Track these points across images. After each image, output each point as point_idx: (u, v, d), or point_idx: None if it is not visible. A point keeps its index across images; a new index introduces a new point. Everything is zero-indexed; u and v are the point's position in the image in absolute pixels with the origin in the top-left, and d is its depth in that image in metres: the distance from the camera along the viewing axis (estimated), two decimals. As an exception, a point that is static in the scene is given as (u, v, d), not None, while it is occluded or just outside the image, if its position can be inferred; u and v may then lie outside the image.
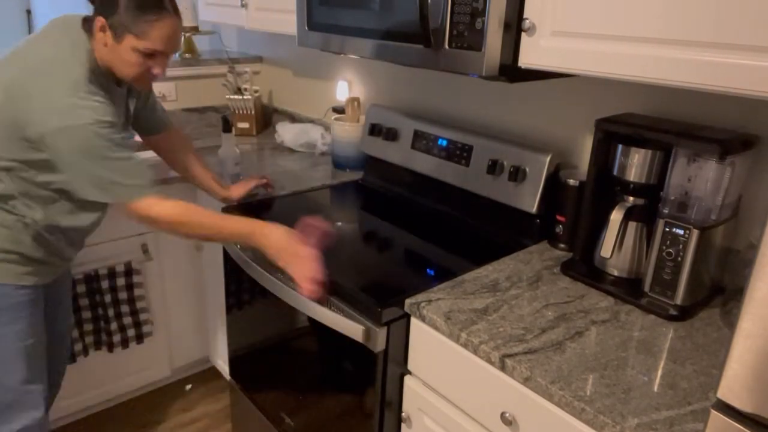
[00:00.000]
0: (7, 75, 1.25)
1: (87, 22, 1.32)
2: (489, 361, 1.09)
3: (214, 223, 1.30)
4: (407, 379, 1.32)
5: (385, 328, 1.25)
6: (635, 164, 1.27)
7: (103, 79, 1.30)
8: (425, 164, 1.79)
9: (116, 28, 1.24)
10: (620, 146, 1.29)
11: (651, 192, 1.28)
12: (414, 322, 1.26)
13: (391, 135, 1.89)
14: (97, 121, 1.20)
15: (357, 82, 2.26)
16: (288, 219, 1.67)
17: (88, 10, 1.34)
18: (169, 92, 2.56)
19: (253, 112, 2.56)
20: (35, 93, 1.20)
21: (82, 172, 1.23)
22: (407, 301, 1.25)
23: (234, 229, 1.31)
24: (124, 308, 2.02)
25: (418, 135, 1.82)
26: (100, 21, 1.25)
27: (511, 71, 1.23)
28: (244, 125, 2.59)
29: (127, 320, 2.03)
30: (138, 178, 1.26)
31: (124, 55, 1.26)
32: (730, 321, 1.20)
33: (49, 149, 1.22)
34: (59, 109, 1.19)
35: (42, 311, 1.42)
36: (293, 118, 2.62)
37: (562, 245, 1.51)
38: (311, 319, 1.38)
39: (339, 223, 1.67)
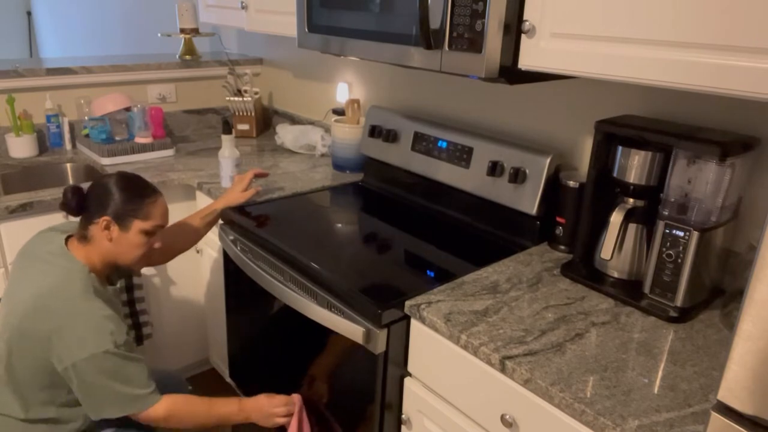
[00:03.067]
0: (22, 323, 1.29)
1: (74, 236, 1.41)
2: (489, 362, 1.09)
3: (205, 413, 1.40)
4: (407, 380, 1.32)
5: (386, 329, 1.25)
6: (635, 166, 1.27)
7: (95, 282, 1.35)
8: (425, 166, 1.79)
9: (121, 220, 1.37)
10: (620, 148, 1.29)
11: (651, 194, 1.28)
12: (414, 323, 1.26)
13: (391, 137, 1.89)
14: (114, 343, 1.27)
15: (357, 84, 2.26)
16: (288, 220, 1.67)
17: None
18: (169, 94, 2.56)
19: (253, 113, 2.56)
20: (58, 328, 1.26)
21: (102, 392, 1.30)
22: (407, 303, 1.24)
23: (225, 414, 1.42)
24: (124, 310, 2.02)
25: (418, 137, 1.82)
26: (104, 220, 1.35)
27: (511, 73, 1.23)
28: (244, 127, 2.59)
29: (127, 322, 2.03)
30: (144, 387, 1.32)
31: (132, 239, 1.39)
32: (730, 323, 1.20)
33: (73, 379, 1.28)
34: (84, 338, 1.26)
35: None
36: (293, 120, 2.62)
37: (562, 247, 1.51)
38: (311, 321, 1.38)
39: (339, 225, 1.67)
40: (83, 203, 1.38)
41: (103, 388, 1.28)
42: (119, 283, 1.59)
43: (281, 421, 1.44)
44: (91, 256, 1.38)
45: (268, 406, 1.43)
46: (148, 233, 1.40)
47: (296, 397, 1.47)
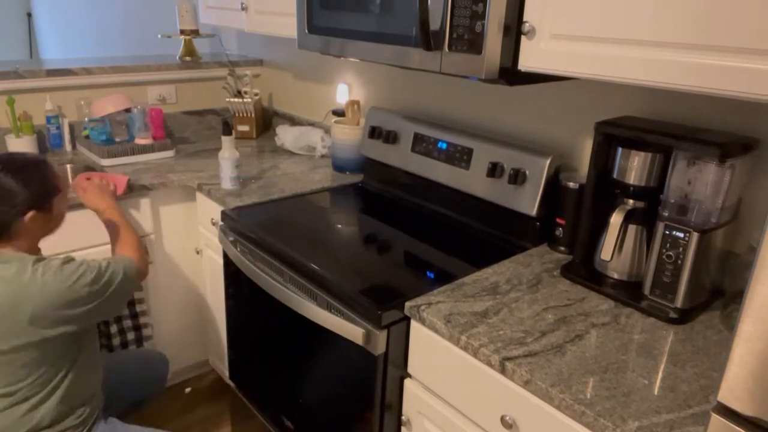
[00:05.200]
0: None
1: None
2: (489, 364, 1.09)
3: (132, 239, 1.60)
4: (407, 382, 1.32)
5: (385, 331, 1.25)
6: (635, 167, 1.27)
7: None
8: (425, 167, 1.79)
9: (41, 206, 1.39)
10: (620, 149, 1.29)
11: (651, 195, 1.28)
12: (414, 325, 1.26)
13: (391, 138, 1.89)
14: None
15: (357, 85, 2.26)
16: (287, 221, 1.67)
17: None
18: (169, 95, 2.56)
19: (253, 114, 2.56)
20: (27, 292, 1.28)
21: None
22: (407, 304, 1.24)
23: (126, 228, 1.64)
24: (124, 311, 2.02)
25: (418, 138, 1.82)
26: (30, 216, 1.36)
27: (510, 74, 1.23)
28: (244, 128, 2.59)
29: (127, 323, 2.03)
30: (117, 265, 1.44)
31: (58, 213, 1.45)
32: (731, 324, 1.20)
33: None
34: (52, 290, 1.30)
35: None
36: (293, 121, 2.62)
37: (562, 248, 1.51)
38: (311, 322, 1.38)
39: (339, 226, 1.67)
40: None
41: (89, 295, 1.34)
42: None
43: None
44: (21, 247, 1.36)
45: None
46: (65, 197, 1.46)
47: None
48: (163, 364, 1.88)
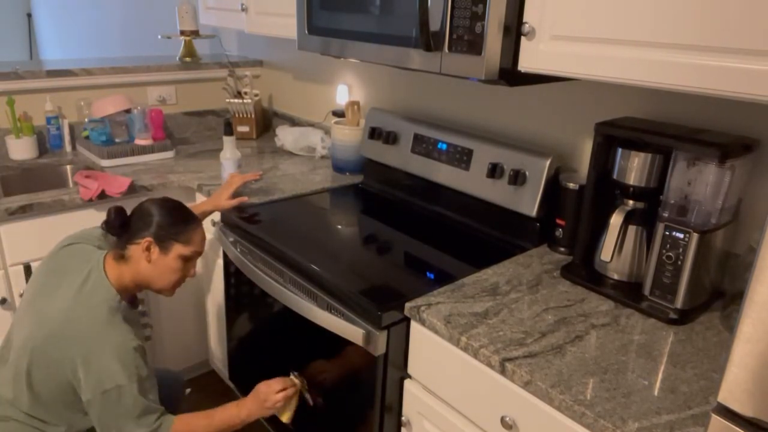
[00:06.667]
0: (39, 339, 1.29)
1: (110, 254, 1.40)
2: (489, 364, 1.09)
3: (205, 427, 1.38)
4: (407, 382, 1.32)
5: (385, 331, 1.25)
6: (635, 168, 1.27)
7: (125, 309, 1.36)
8: (425, 168, 1.79)
9: (162, 242, 1.39)
10: (620, 150, 1.29)
11: (651, 195, 1.28)
12: (414, 325, 1.26)
13: (390, 138, 1.89)
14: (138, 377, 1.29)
15: (357, 86, 2.26)
16: (287, 222, 1.67)
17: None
18: (169, 96, 2.56)
19: (253, 115, 2.57)
20: (84, 361, 1.26)
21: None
22: (407, 305, 1.24)
23: (227, 419, 1.41)
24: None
25: (417, 138, 1.82)
26: (146, 241, 1.37)
27: (510, 75, 1.23)
28: (244, 129, 2.59)
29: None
30: (154, 419, 1.32)
31: (170, 263, 1.41)
32: (730, 324, 1.20)
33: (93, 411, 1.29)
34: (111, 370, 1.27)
35: None
36: (293, 122, 2.62)
37: (562, 249, 1.51)
38: (311, 322, 1.38)
39: (339, 227, 1.67)
40: (126, 223, 1.40)
41: (118, 420, 1.28)
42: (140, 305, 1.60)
43: (279, 404, 1.44)
44: (124, 275, 1.38)
45: (265, 394, 1.43)
46: (187, 259, 1.43)
47: (294, 379, 1.48)
48: (179, 389, 1.79)
